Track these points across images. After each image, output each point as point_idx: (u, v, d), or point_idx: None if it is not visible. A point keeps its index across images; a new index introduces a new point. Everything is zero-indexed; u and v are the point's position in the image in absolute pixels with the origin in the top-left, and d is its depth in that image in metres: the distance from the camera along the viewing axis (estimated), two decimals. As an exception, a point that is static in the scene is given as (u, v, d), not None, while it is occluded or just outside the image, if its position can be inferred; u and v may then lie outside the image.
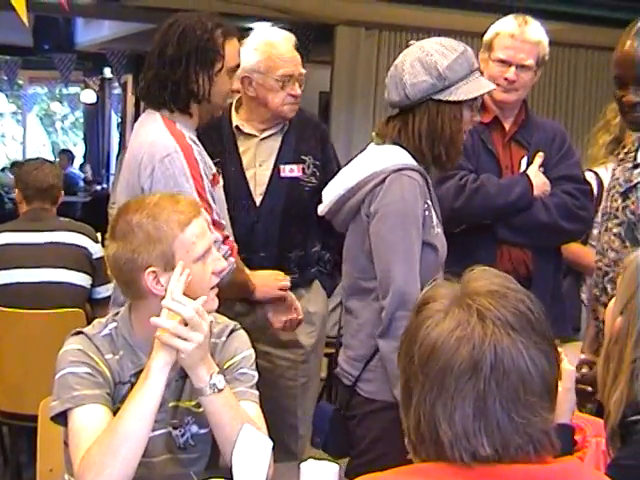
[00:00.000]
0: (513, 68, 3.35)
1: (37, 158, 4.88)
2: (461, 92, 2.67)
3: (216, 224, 2.95)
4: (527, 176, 3.33)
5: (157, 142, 2.95)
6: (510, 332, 1.37)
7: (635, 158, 2.90)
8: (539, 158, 3.36)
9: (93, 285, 4.28)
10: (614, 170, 3.01)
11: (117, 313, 2.37)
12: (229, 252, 3.01)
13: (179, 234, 2.24)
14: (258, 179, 3.56)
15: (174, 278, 2.19)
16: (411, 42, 2.81)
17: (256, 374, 2.40)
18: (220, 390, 2.21)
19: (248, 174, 3.55)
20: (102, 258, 4.14)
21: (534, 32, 3.39)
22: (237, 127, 3.59)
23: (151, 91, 3.04)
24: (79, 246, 4.25)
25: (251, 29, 8.09)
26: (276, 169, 3.54)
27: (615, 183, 2.94)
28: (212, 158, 3.39)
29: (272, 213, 3.44)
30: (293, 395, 3.63)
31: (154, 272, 2.22)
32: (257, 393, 2.38)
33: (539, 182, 3.32)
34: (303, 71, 3.54)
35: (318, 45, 7.49)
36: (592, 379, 2.58)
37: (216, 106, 3.08)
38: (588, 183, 3.51)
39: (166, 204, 2.28)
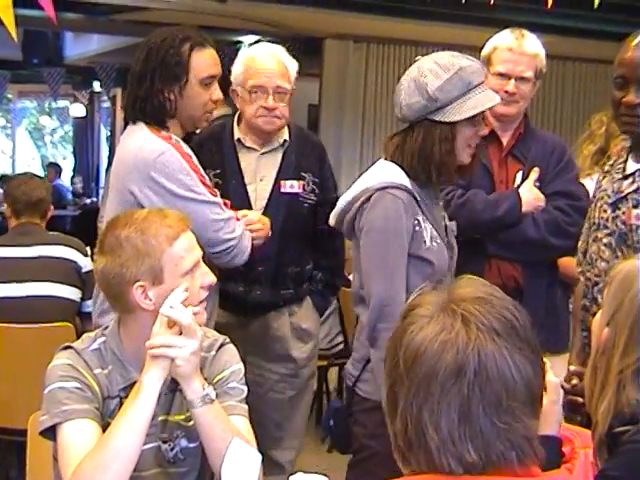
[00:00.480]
0: (513, 81, 3.37)
1: (25, 173, 4.88)
2: (454, 112, 2.69)
3: (226, 205, 3.03)
4: (517, 192, 3.34)
5: (146, 146, 3.00)
6: (495, 337, 1.37)
7: (624, 169, 2.91)
8: (534, 173, 3.36)
9: (82, 299, 4.28)
10: (600, 181, 3.02)
11: (106, 327, 2.37)
12: (243, 227, 3.08)
13: (167, 248, 2.24)
14: (259, 193, 3.57)
15: (176, 291, 2.20)
16: (417, 58, 2.81)
17: (245, 388, 2.40)
18: (212, 401, 2.21)
19: (249, 188, 3.57)
20: (91, 271, 4.14)
21: (531, 45, 3.42)
22: (239, 140, 3.61)
23: (127, 108, 3.13)
24: (68, 260, 4.25)
25: (241, 42, 8.16)
26: (277, 184, 3.56)
27: (603, 194, 2.96)
28: (211, 168, 3.43)
29: (271, 228, 3.46)
30: (280, 408, 3.63)
31: (142, 286, 2.23)
32: (246, 407, 2.38)
33: (530, 198, 3.33)
34: (285, 85, 3.52)
35: (307, 58, 7.49)
36: (583, 390, 2.59)
37: (194, 117, 3.11)
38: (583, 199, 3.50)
39: (155, 218, 2.28)
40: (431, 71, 2.70)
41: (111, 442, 2.10)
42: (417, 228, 2.75)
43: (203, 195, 2.97)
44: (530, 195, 3.34)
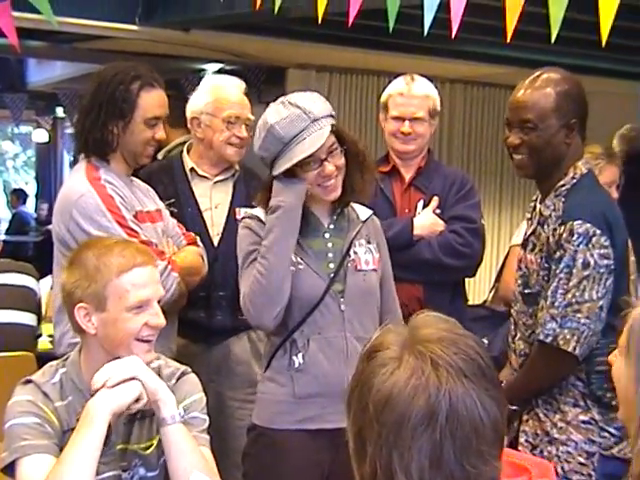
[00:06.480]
0: (407, 122, 3.70)
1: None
2: (278, 166, 2.85)
3: (145, 243, 3.07)
4: (411, 218, 3.63)
5: (72, 187, 3.18)
6: (463, 380, 1.37)
7: (534, 208, 3.02)
8: (434, 201, 3.67)
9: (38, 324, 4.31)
10: None
11: (67, 358, 2.39)
12: (169, 267, 3.17)
13: (114, 278, 2.27)
14: (215, 220, 3.68)
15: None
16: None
17: (207, 418, 2.42)
18: (182, 421, 2.26)
19: (205, 215, 3.66)
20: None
21: (421, 88, 3.76)
22: (192, 169, 3.70)
23: (74, 139, 3.30)
24: (24, 286, 4.26)
25: (204, 70, 8.17)
26: (231, 211, 3.66)
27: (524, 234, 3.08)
28: (165, 198, 3.48)
29: (229, 253, 3.51)
30: (241, 435, 3.63)
31: (85, 308, 2.26)
32: (208, 438, 2.40)
33: (427, 223, 3.63)
34: (251, 117, 3.66)
35: (269, 87, 7.55)
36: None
37: (136, 153, 3.23)
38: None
39: (116, 247, 2.32)
40: (258, 128, 2.89)
41: (62, 474, 2.11)
42: None
43: (118, 236, 3.02)
44: (427, 220, 3.64)
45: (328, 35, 6.33)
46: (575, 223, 2.77)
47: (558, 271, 2.78)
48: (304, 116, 2.80)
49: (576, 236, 2.75)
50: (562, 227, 2.79)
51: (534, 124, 2.85)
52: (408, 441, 1.35)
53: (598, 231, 2.76)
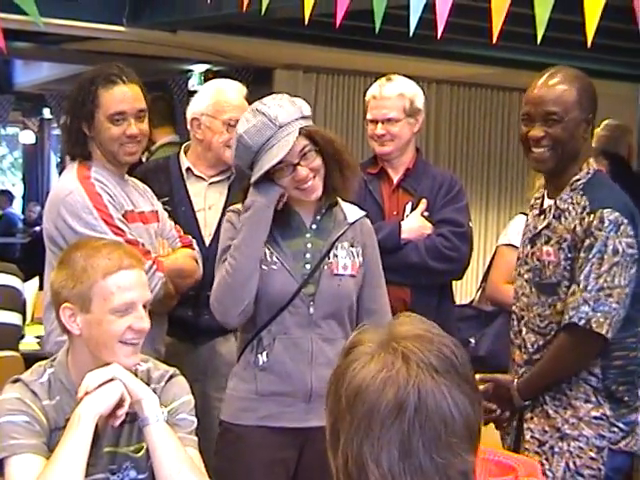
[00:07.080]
0: (380, 124, 3.73)
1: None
2: (255, 174, 2.86)
3: (131, 242, 3.10)
4: (398, 221, 3.64)
5: (62, 185, 3.25)
6: (434, 375, 1.39)
7: (541, 205, 3.05)
8: (422, 204, 3.68)
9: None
10: (528, 215, 3.17)
11: (55, 359, 2.40)
12: (155, 267, 3.18)
13: (100, 280, 2.28)
14: (208, 221, 3.71)
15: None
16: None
17: (195, 420, 2.43)
18: (166, 417, 2.27)
19: (199, 215, 3.69)
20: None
21: (394, 88, 3.76)
22: (188, 169, 3.73)
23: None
24: (9, 286, 4.27)
25: (191, 71, 8.15)
26: (224, 213, 3.63)
27: (527, 229, 3.11)
28: (160, 197, 3.50)
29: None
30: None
31: (70, 309, 2.27)
32: (196, 439, 2.41)
33: (415, 226, 3.65)
34: None
35: (257, 87, 7.55)
36: (490, 396, 2.93)
37: (112, 152, 3.25)
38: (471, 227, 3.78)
39: (104, 249, 2.32)
40: (235, 136, 2.92)
41: (50, 476, 2.12)
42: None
43: (104, 234, 3.06)
44: (415, 223, 3.65)
45: (315, 36, 6.35)
46: (605, 211, 2.82)
47: (590, 256, 2.82)
48: (270, 124, 2.81)
49: (607, 223, 2.81)
50: (591, 215, 2.84)
51: (559, 116, 2.89)
52: (378, 432, 1.38)
53: (625, 220, 2.83)
